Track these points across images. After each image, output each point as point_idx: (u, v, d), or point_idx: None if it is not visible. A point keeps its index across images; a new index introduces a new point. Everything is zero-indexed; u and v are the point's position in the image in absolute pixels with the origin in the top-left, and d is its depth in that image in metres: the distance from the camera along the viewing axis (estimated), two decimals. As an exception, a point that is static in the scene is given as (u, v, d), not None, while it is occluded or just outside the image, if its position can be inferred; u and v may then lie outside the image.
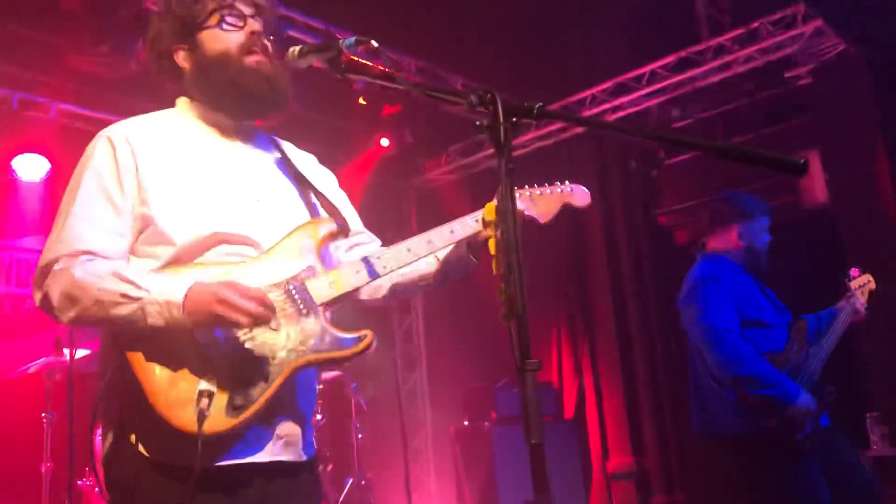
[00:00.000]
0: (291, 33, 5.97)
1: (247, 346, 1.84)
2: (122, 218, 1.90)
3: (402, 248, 2.09)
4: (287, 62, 1.95)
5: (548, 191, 2.35)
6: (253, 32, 2.04)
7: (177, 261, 1.90)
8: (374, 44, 1.77)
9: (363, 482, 6.25)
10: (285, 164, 2.19)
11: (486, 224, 2.04)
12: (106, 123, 2.08)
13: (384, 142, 7.50)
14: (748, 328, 3.61)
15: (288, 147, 2.28)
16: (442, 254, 2.22)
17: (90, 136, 2.03)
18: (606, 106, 7.15)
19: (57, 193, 3.65)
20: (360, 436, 6.36)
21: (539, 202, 2.32)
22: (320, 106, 6.73)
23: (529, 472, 1.37)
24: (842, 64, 6.20)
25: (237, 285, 1.80)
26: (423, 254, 2.10)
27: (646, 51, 6.86)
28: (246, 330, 1.83)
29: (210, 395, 1.77)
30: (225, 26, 2.03)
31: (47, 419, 4.94)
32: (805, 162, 1.28)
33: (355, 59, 1.82)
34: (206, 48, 2.04)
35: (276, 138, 2.27)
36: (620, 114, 7.17)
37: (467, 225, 2.15)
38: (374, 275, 2.05)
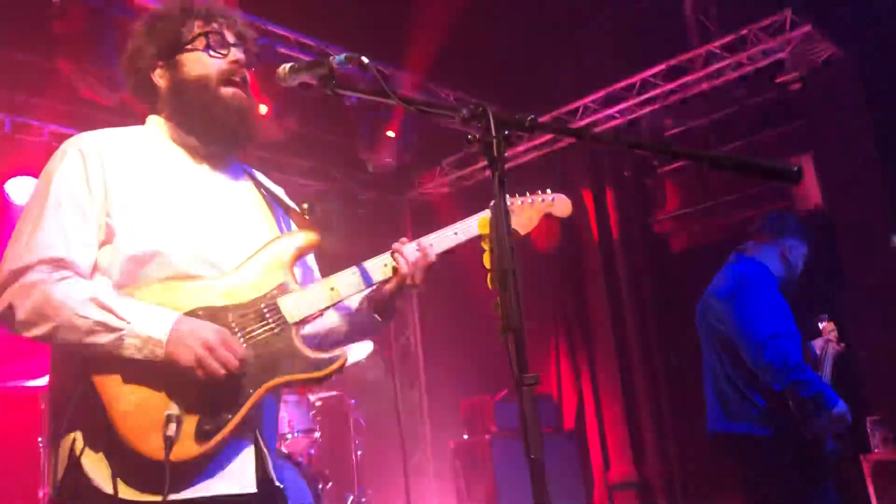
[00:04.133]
0: (284, 51, 5.95)
1: None
2: (90, 227, 1.85)
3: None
4: (278, 81, 1.94)
5: (529, 200, 2.30)
6: (235, 61, 2.03)
7: (137, 280, 1.84)
8: (365, 60, 1.74)
9: (363, 499, 6.20)
10: (253, 191, 2.15)
11: (480, 238, 2.03)
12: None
13: (390, 134, 7.35)
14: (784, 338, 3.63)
15: (259, 177, 2.24)
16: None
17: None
18: (599, 115, 7.15)
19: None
20: (359, 452, 6.32)
21: (518, 212, 2.28)
22: (317, 122, 6.73)
23: (531, 485, 1.36)
24: (832, 68, 6.22)
25: (225, 335, 1.77)
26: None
27: (636, 60, 6.88)
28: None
29: (178, 420, 1.71)
30: (211, 53, 2.02)
31: (44, 443, 4.89)
32: (799, 170, 1.27)
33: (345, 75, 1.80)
34: (186, 70, 2.02)
35: (248, 168, 2.23)
36: (613, 123, 7.17)
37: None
38: (369, 282, 2.04)
